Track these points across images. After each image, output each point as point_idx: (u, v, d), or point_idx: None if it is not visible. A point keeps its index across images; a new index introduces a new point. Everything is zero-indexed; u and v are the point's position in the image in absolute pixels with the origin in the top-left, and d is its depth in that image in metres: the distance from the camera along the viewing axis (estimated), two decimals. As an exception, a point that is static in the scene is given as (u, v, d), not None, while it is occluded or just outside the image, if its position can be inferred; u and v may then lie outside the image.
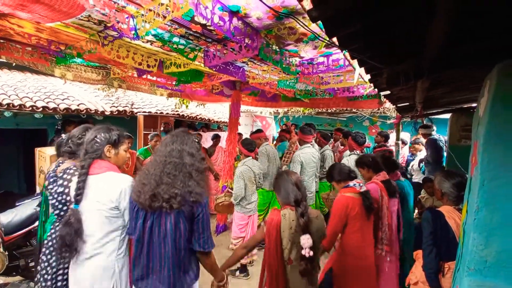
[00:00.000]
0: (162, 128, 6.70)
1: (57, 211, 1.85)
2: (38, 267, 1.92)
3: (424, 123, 5.02)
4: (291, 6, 1.75)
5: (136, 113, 6.43)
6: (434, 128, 4.91)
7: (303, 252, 1.60)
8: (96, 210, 1.56)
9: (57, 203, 1.84)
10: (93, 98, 6.31)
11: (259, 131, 4.69)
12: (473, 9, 1.03)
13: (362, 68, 1.79)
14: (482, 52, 1.39)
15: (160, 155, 1.56)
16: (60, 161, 1.98)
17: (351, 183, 2.21)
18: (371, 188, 2.32)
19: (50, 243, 1.88)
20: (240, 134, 6.34)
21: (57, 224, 1.87)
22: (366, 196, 2.13)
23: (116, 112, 6.01)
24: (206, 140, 6.40)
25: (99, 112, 5.66)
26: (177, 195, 1.45)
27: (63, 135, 2.20)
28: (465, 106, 3.47)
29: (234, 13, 1.92)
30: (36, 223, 3.05)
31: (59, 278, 1.86)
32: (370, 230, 2.18)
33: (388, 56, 1.57)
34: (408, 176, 5.76)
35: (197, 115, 8.02)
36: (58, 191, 1.82)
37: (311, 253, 1.59)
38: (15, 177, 6.73)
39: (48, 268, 1.86)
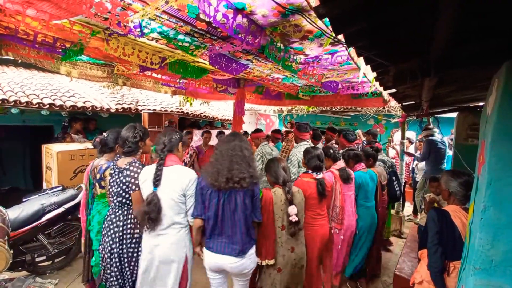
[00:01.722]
0: (166, 126, 6.73)
1: (119, 198, 2.21)
2: (100, 248, 2.30)
3: (430, 122, 4.99)
4: (297, 3, 1.73)
5: (140, 110, 6.46)
6: (436, 130, 4.90)
7: (290, 218, 2.18)
8: (168, 195, 1.99)
9: (121, 191, 2.19)
10: (98, 95, 6.35)
11: (258, 130, 4.61)
12: (478, 9, 1.02)
13: (367, 67, 1.78)
14: (488, 51, 1.38)
15: (226, 149, 2.04)
16: (118, 156, 2.36)
17: (310, 171, 2.58)
18: (327, 175, 2.72)
19: (109, 224, 2.22)
20: (245, 133, 6.32)
21: (117, 209, 2.24)
22: (320, 183, 2.49)
23: (121, 110, 6.04)
24: (212, 138, 6.36)
25: (104, 110, 5.69)
26: (245, 178, 1.96)
27: (104, 133, 2.59)
28: (472, 105, 3.44)
29: (239, 10, 1.92)
30: (43, 219, 3.10)
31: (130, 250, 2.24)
32: (323, 208, 2.58)
33: (394, 55, 1.56)
34: (415, 174, 5.75)
35: (201, 113, 8.03)
36: (124, 181, 2.17)
37: (296, 218, 2.18)
38: (21, 173, 6.81)
39: (111, 246, 2.20)
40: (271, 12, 1.91)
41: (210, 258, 2.04)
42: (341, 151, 3.83)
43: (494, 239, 1.14)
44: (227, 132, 6.58)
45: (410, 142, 6.19)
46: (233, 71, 3.43)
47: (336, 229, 2.75)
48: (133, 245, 2.22)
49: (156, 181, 1.97)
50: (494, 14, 1.06)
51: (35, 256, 3.14)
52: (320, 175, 2.54)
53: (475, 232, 1.23)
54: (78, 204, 3.34)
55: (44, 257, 3.21)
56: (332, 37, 2.03)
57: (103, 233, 2.26)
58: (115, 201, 2.24)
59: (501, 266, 1.14)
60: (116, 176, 2.21)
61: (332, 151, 2.96)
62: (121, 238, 2.18)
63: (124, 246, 2.19)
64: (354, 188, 2.95)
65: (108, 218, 2.25)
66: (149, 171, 2.06)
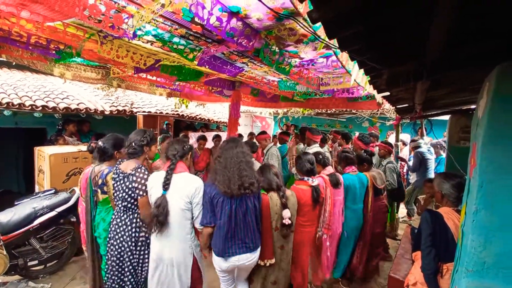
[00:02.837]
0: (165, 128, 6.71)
1: (125, 203, 2.21)
2: (108, 254, 2.29)
3: (423, 125, 5.06)
4: (291, 8, 1.75)
5: (135, 112, 6.42)
6: (421, 140, 5.06)
7: (284, 221, 2.26)
8: (175, 201, 2.04)
9: (126, 196, 2.18)
10: (92, 97, 6.30)
11: (264, 132, 4.87)
12: (475, 11, 1.03)
13: (358, 72, 1.79)
14: (483, 54, 1.39)
15: (231, 156, 2.10)
16: (120, 160, 2.34)
17: (305, 177, 2.62)
18: (318, 180, 2.72)
19: (115, 228, 2.24)
20: (240, 136, 6.36)
21: (122, 213, 2.24)
22: (316, 190, 2.54)
23: (116, 112, 5.99)
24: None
25: (98, 112, 5.64)
26: (254, 183, 2.07)
27: (100, 142, 2.55)
28: (465, 107, 3.48)
29: (234, 13, 1.92)
30: (35, 222, 3.06)
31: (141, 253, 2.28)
32: (315, 215, 2.65)
33: (389, 58, 1.58)
34: (409, 176, 5.81)
35: (197, 115, 8.01)
36: (130, 186, 2.16)
37: (290, 221, 2.26)
38: (14, 176, 6.71)
39: (121, 249, 2.22)
40: (266, 16, 1.92)
41: (226, 263, 2.11)
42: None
43: (486, 241, 1.14)
44: (222, 134, 6.59)
45: (404, 144, 6.25)
46: (227, 72, 3.44)
47: (324, 234, 2.79)
48: (139, 248, 2.25)
49: (166, 185, 2.02)
50: (491, 16, 1.07)
51: (27, 260, 3.10)
52: (315, 182, 2.58)
53: (467, 234, 1.24)
54: (71, 207, 3.31)
55: (36, 261, 3.17)
56: (325, 42, 2.05)
57: (109, 237, 2.27)
58: (120, 206, 2.25)
59: (493, 268, 1.15)
60: (122, 181, 2.20)
61: (321, 157, 2.98)
62: (128, 241, 2.21)
63: (133, 249, 2.22)
64: (343, 192, 2.99)
65: (114, 222, 2.27)
66: (157, 177, 2.11)
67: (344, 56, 2.38)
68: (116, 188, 2.25)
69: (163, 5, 1.71)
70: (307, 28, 1.83)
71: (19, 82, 5.63)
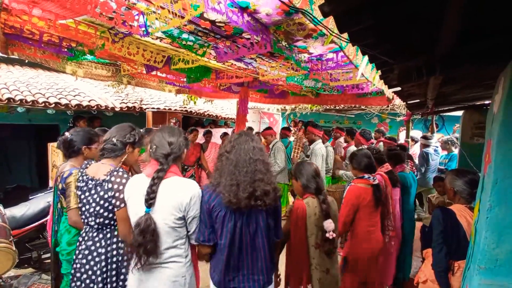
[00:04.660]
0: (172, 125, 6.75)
1: (100, 219, 1.70)
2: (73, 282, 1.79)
3: (433, 123, 4.99)
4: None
5: (145, 109, 6.50)
6: (432, 140, 5.02)
7: (327, 235, 1.78)
8: (162, 218, 1.50)
9: (102, 211, 1.68)
10: (103, 94, 6.39)
11: (269, 128, 4.89)
12: (488, 5, 1.00)
13: (365, 67, 1.76)
14: (498, 48, 1.36)
15: (245, 152, 1.55)
16: (88, 162, 1.87)
17: (366, 175, 2.32)
18: (377, 179, 2.43)
19: (85, 254, 1.71)
20: (251, 129, 6.37)
21: (95, 233, 1.73)
22: (378, 188, 2.27)
23: (126, 108, 6.08)
24: (214, 136, 6.40)
25: (109, 108, 5.73)
26: (269, 192, 1.52)
27: (67, 133, 2.16)
28: (478, 103, 3.41)
29: (243, 9, 1.92)
30: (49, 216, 3.13)
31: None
32: (377, 217, 2.34)
33: (400, 52, 1.55)
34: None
35: (205, 112, 8.05)
36: (106, 196, 1.67)
37: (334, 235, 1.79)
38: (27, 172, 6.89)
39: (91, 278, 1.70)
40: (275, 10, 1.91)
41: None
42: (351, 147, 3.91)
43: (500, 238, 1.13)
44: (214, 130, 6.60)
45: (413, 140, 6.16)
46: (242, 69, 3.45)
47: (389, 237, 2.53)
48: (122, 276, 1.75)
49: (151, 199, 1.46)
50: (504, 10, 1.04)
51: (41, 253, 3.18)
52: (376, 180, 2.29)
53: (480, 231, 1.22)
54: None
55: (50, 254, 3.25)
56: (334, 34, 2.02)
57: (81, 262, 1.73)
58: (91, 223, 1.73)
59: (506, 266, 1.13)
60: (93, 191, 1.70)
61: (375, 151, 2.71)
62: (105, 269, 1.70)
63: (109, 280, 1.71)
64: (400, 192, 2.78)
65: (84, 246, 1.73)
66: (136, 184, 1.57)
67: (350, 50, 2.33)
68: (85, 201, 1.72)
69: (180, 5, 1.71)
70: (317, 20, 1.81)
71: (32, 80, 5.73)
